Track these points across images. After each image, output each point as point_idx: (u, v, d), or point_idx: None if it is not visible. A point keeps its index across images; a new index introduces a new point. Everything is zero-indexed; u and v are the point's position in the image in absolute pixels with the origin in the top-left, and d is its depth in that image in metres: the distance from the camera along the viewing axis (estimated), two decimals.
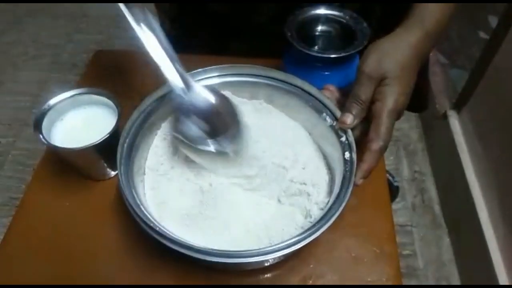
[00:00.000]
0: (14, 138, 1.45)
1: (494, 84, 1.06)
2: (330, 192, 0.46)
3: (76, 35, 1.81)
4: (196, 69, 0.50)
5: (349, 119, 0.45)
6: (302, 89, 0.50)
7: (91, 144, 0.46)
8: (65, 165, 0.52)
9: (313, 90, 0.49)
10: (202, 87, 0.46)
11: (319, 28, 0.57)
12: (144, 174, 0.48)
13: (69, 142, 0.47)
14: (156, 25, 0.42)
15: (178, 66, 0.43)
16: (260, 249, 0.38)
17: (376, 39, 0.48)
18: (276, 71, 0.51)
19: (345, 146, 0.45)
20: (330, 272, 0.47)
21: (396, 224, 1.23)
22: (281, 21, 0.54)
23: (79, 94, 0.50)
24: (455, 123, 1.25)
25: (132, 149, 0.45)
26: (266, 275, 0.47)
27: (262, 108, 0.53)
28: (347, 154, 0.45)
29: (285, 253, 0.37)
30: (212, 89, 0.46)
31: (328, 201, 0.43)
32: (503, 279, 0.96)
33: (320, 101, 0.49)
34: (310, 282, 0.46)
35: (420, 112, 0.62)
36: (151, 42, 0.42)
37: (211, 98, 0.45)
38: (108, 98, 0.50)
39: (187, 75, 0.44)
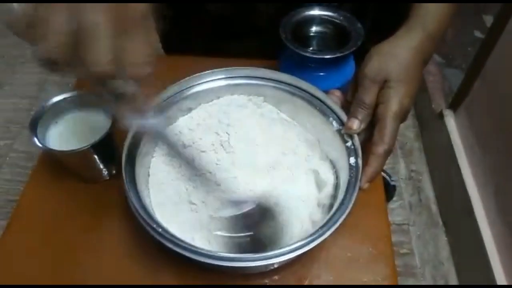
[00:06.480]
0: (12, 140, 1.45)
1: (490, 83, 1.07)
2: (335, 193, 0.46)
3: None
4: (198, 71, 0.50)
5: (355, 124, 0.45)
6: (310, 93, 0.49)
7: (84, 146, 0.46)
8: (61, 168, 0.52)
9: (320, 94, 0.49)
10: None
11: (314, 29, 0.57)
12: (148, 175, 0.48)
13: (64, 144, 0.47)
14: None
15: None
16: (264, 254, 0.37)
17: (371, 40, 0.48)
18: (284, 75, 0.50)
19: (350, 152, 0.45)
20: (325, 273, 0.47)
21: (393, 223, 1.23)
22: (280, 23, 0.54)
23: (73, 96, 0.50)
24: (451, 122, 1.25)
25: (137, 149, 0.45)
26: (261, 276, 0.47)
27: (265, 112, 0.53)
28: (352, 160, 0.44)
29: (288, 257, 0.37)
30: None
31: (332, 205, 0.43)
32: (500, 278, 0.97)
33: (327, 105, 0.48)
34: (306, 283, 0.46)
35: None
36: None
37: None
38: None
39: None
